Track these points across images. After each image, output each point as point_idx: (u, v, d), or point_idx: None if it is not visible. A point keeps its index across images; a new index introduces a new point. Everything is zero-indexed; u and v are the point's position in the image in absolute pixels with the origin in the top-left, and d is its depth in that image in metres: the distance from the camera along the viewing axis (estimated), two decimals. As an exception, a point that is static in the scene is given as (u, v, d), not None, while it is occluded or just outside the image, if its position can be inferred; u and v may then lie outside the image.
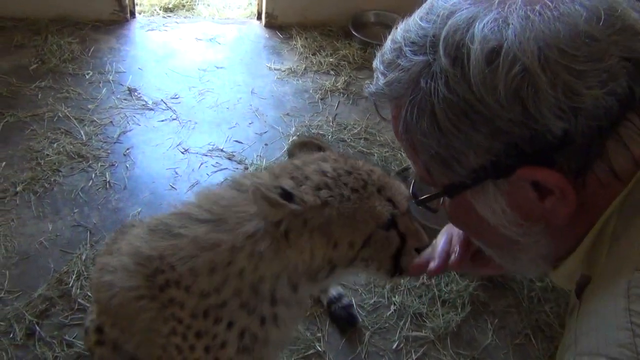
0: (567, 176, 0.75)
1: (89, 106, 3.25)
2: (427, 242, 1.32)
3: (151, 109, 3.31)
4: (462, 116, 0.76)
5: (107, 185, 2.80)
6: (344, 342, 2.27)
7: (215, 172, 2.95)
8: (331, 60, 3.82)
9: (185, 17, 4.28)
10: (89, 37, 3.79)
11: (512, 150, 0.75)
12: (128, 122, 3.20)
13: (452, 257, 1.19)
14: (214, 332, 1.37)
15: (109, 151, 3.00)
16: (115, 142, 3.06)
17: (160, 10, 4.32)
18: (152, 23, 4.08)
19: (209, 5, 4.52)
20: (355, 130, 3.29)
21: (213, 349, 1.38)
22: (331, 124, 3.33)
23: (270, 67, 3.76)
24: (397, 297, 2.43)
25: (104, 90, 3.38)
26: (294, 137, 3.17)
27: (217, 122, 3.28)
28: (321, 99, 3.52)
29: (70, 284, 2.33)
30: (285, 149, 3.09)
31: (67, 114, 3.16)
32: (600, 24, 0.72)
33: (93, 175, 2.84)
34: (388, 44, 0.86)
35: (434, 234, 1.33)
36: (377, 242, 1.25)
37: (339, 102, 3.52)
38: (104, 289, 1.59)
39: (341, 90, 3.59)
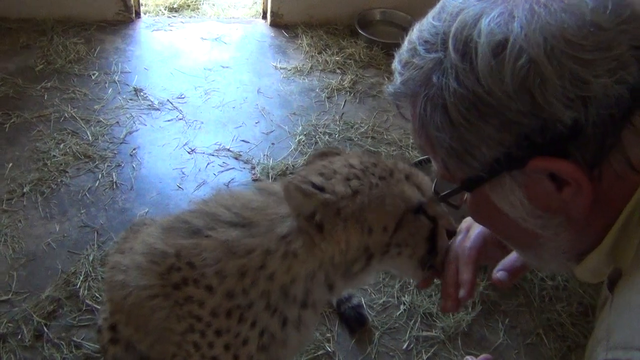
0: (581, 167, 0.75)
1: (95, 106, 3.24)
2: (454, 225, 1.33)
3: (157, 109, 3.30)
4: (472, 109, 0.77)
5: (114, 186, 2.79)
6: (354, 342, 2.25)
7: (222, 171, 2.94)
8: (337, 58, 3.80)
9: (190, 17, 4.26)
10: (95, 38, 3.78)
11: (523, 141, 0.76)
12: (134, 122, 3.19)
13: (462, 292, 1.20)
14: (236, 331, 1.37)
15: (116, 151, 2.99)
16: (121, 143, 3.05)
17: (165, 10, 4.31)
18: (157, 23, 4.07)
19: (214, 4, 4.50)
20: (363, 129, 3.27)
21: (234, 346, 1.38)
22: (338, 122, 3.31)
23: (276, 66, 3.74)
24: (406, 296, 2.41)
25: (109, 90, 3.37)
26: (301, 137, 3.16)
27: (224, 122, 3.27)
28: (328, 98, 3.50)
29: (78, 285, 2.32)
30: (292, 147, 3.08)
31: (73, 114, 3.15)
32: (608, 13, 0.73)
33: (100, 176, 2.83)
34: (405, 44, 0.89)
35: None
36: (409, 224, 1.26)
37: (345, 100, 3.50)
38: (117, 288, 1.59)
39: (347, 89, 3.57)
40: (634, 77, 0.72)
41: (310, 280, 1.31)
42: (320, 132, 3.20)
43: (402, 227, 1.26)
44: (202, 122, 3.25)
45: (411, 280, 2.46)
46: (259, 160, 3.00)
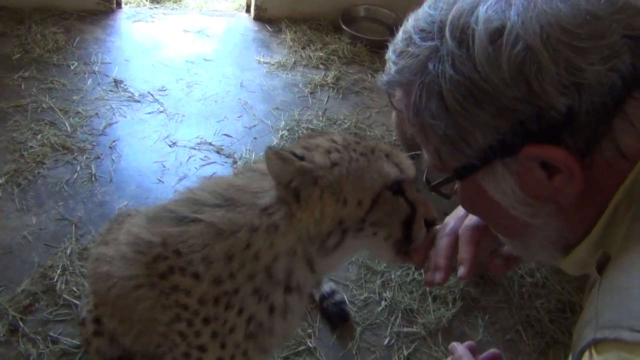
0: (574, 155, 0.76)
1: (74, 97, 3.18)
2: (435, 215, 1.32)
3: (138, 101, 3.25)
4: (468, 96, 0.78)
5: (93, 178, 2.74)
6: (335, 338, 2.25)
7: (204, 165, 2.91)
8: (321, 54, 3.79)
9: (172, 9, 4.21)
10: (74, 27, 3.71)
11: (518, 128, 0.77)
12: (114, 114, 3.13)
13: (461, 270, 1.16)
14: (224, 318, 1.36)
15: (95, 143, 2.93)
16: (100, 134, 2.99)
17: (147, 1, 4.25)
18: (138, 14, 4.01)
19: (196, -3, 4.46)
20: (345, 125, 3.26)
21: (221, 334, 1.38)
22: (321, 118, 3.29)
23: (259, 61, 3.72)
24: (388, 292, 2.42)
25: (89, 81, 3.31)
26: (284, 132, 3.14)
27: (206, 116, 3.24)
28: (311, 93, 3.49)
29: (55, 279, 2.27)
30: (274, 143, 3.06)
31: (52, 105, 3.09)
32: (602, 2, 0.74)
33: (78, 168, 2.78)
34: (399, 34, 0.89)
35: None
36: (385, 204, 1.26)
37: (328, 96, 3.49)
38: (102, 279, 1.57)
39: (331, 85, 3.56)
40: (626, 66, 0.73)
41: (291, 257, 1.31)
42: (303, 128, 3.19)
43: (378, 205, 1.25)
44: (184, 115, 3.21)
45: (392, 277, 2.47)
46: (241, 154, 2.97)
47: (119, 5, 3.99)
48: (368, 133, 3.23)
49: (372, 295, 2.41)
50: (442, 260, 1.18)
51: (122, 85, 3.34)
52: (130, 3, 4.18)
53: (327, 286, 2.32)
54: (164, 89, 3.37)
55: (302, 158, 1.24)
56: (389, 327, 2.30)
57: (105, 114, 3.12)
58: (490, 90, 0.76)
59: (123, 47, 3.67)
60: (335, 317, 2.27)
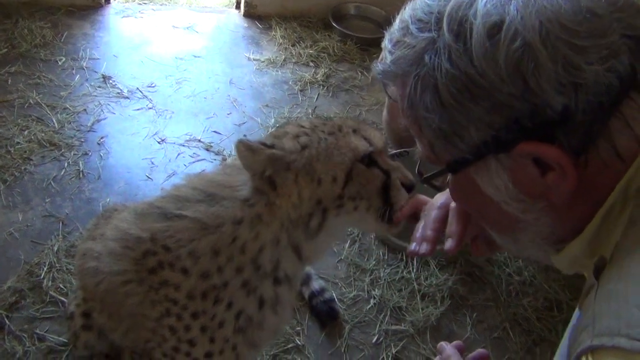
0: (567, 153, 0.76)
1: (62, 93, 3.15)
2: (412, 179, 1.34)
3: (126, 98, 3.23)
4: (463, 90, 0.77)
5: (80, 175, 2.72)
6: (324, 336, 2.25)
7: (193, 162, 2.89)
8: (311, 51, 3.78)
9: (161, 5, 4.18)
10: (62, 22, 3.67)
11: (513, 124, 0.76)
12: (102, 110, 3.11)
13: (449, 243, 1.15)
14: (212, 313, 1.38)
15: (82, 140, 2.91)
16: (88, 131, 2.97)
17: (135, -4, 4.21)
18: (127, 10, 3.98)
19: (186, -8, 4.43)
20: (335, 123, 3.25)
21: (210, 328, 1.39)
22: (311, 116, 3.28)
23: (249, 57, 3.70)
24: (377, 290, 2.42)
25: (77, 77, 3.29)
26: (273, 129, 3.12)
27: (195, 112, 3.22)
28: (301, 91, 3.48)
29: (42, 276, 2.25)
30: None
31: (39, 100, 3.05)
32: (603, 0, 0.73)
33: (65, 164, 2.75)
34: (396, 23, 0.88)
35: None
36: (359, 177, 1.29)
37: (318, 94, 3.48)
38: (90, 275, 1.58)
39: (321, 82, 3.55)
40: (625, 66, 0.72)
41: (276, 246, 1.33)
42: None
43: (352, 179, 1.29)
44: (173, 112, 3.19)
45: (381, 275, 2.47)
46: (230, 151, 2.96)
47: (107, 0, 3.96)
48: (358, 131, 3.22)
49: (361, 293, 2.42)
50: (430, 232, 1.19)
51: (110, 81, 3.31)
52: (119, -2, 4.14)
53: (316, 284, 2.32)
54: (153, 85, 3.35)
55: (272, 146, 1.27)
56: (378, 325, 2.31)
57: (94, 110, 3.09)
58: (486, 85, 0.75)
59: (111, 42, 3.64)
60: (325, 315, 2.27)
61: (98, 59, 3.46)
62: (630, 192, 0.78)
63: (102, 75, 3.33)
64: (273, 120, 3.20)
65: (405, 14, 0.86)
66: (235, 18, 4.12)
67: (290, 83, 3.53)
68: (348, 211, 1.31)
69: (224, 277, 1.35)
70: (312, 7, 4.09)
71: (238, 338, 1.43)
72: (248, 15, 4.10)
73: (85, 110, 3.08)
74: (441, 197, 1.23)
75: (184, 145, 2.98)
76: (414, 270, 2.51)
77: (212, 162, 2.91)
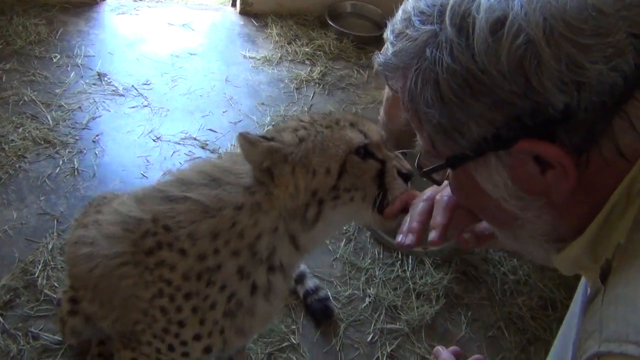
0: (568, 151, 0.75)
1: (57, 90, 3.14)
2: (410, 167, 1.37)
3: (122, 95, 3.22)
4: (464, 86, 0.75)
5: (75, 173, 2.71)
6: (319, 334, 2.25)
7: (188, 160, 2.89)
8: (307, 49, 3.78)
9: (157, 2, 4.16)
10: (57, 19, 3.65)
11: (514, 122, 0.75)
12: (97, 108, 3.10)
13: (432, 234, 1.15)
14: (205, 294, 1.41)
15: (77, 137, 2.90)
16: (83, 129, 2.96)
17: (131, -7, 4.19)
18: (122, 7, 3.96)
19: (182, -10, 4.41)
20: (331, 121, 3.25)
21: (201, 310, 1.43)
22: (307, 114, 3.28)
23: (245, 55, 3.69)
24: (372, 289, 2.42)
25: (72, 74, 3.27)
26: (269, 127, 3.12)
27: (190, 110, 3.21)
28: (296, 89, 3.48)
29: (36, 274, 2.25)
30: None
31: (33, 97, 3.04)
32: None
33: (60, 162, 2.75)
34: (399, 14, 0.86)
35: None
36: (354, 169, 1.32)
37: (314, 92, 3.48)
38: (82, 262, 1.60)
39: (317, 81, 3.55)
40: (629, 66, 0.71)
41: (274, 234, 1.37)
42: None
43: (347, 171, 1.32)
44: (168, 110, 3.18)
45: (377, 274, 2.48)
46: (225, 149, 2.95)
47: (102, -3, 3.95)
48: (353, 129, 3.22)
49: (356, 291, 2.42)
50: (415, 224, 1.19)
51: (105, 78, 3.30)
52: (114, -5, 4.12)
53: (311, 282, 2.32)
54: (148, 83, 3.34)
55: (271, 139, 1.32)
56: (373, 324, 2.31)
57: (89, 108, 3.08)
58: (487, 82, 0.73)
59: (107, 40, 3.62)
60: (320, 314, 2.28)
61: (93, 56, 3.45)
62: (634, 192, 0.77)
63: (97, 72, 3.32)
64: (269, 118, 3.20)
65: (408, 4, 0.84)
66: (231, 16, 4.11)
67: (286, 81, 3.52)
68: (344, 202, 1.34)
69: (219, 259, 1.38)
70: (309, 5, 4.08)
71: (227, 322, 1.46)
72: (244, 12, 4.09)
73: (80, 107, 3.07)
74: (429, 190, 1.23)
75: (179, 143, 2.98)
76: (409, 269, 2.51)
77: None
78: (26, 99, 3.03)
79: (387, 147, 1.41)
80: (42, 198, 2.57)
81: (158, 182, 1.55)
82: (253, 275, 1.42)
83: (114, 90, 3.23)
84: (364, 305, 2.37)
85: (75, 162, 2.76)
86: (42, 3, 3.72)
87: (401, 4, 0.88)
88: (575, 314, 1.22)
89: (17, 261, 2.30)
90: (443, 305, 2.41)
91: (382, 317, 2.34)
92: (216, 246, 1.37)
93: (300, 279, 2.32)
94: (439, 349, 1.30)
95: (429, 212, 1.19)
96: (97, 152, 2.84)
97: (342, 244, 2.59)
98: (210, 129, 3.10)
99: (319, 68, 3.64)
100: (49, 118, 2.95)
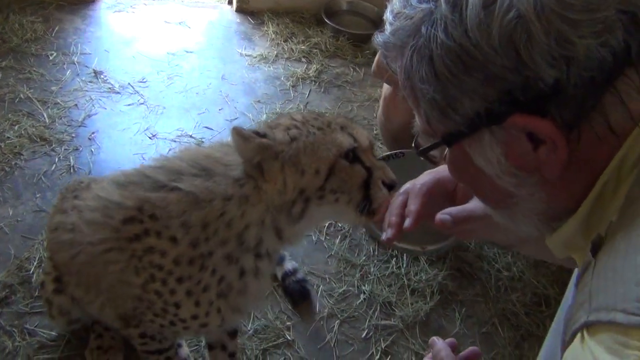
0: (559, 126, 0.76)
1: (53, 88, 3.14)
2: (394, 177, 1.41)
3: (118, 93, 3.22)
4: (457, 62, 0.77)
5: (71, 170, 2.72)
6: (313, 330, 2.26)
7: (184, 158, 2.89)
8: (303, 47, 3.78)
9: (153, 0, 4.16)
10: (53, 17, 3.65)
11: (505, 97, 0.76)
12: (93, 106, 3.10)
13: (406, 222, 1.20)
14: (198, 278, 1.46)
15: (73, 135, 2.90)
16: (79, 126, 2.96)
17: (127, -9, 4.19)
18: (119, 4, 3.96)
19: (178, -13, 4.41)
20: (327, 119, 3.26)
21: (195, 293, 1.48)
22: (303, 112, 3.29)
23: (241, 53, 3.70)
24: (366, 286, 2.43)
25: (68, 72, 3.27)
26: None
27: (186, 108, 3.22)
28: (292, 87, 3.48)
29: (32, 271, 2.26)
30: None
31: (29, 95, 3.05)
32: None
33: (56, 159, 2.75)
34: None
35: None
36: (341, 172, 1.36)
37: (310, 90, 3.49)
38: (64, 248, 1.63)
39: (313, 78, 3.56)
40: (618, 42, 0.72)
41: (261, 226, 1.41)
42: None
43: (334, 174, 1.36)
44: (164, 108, 3.19)
45: (371, 270, 2.49)
46: (221, 147, 2.96)
47: (99, -5, 3.94)
48: (349, 127, 3.23)
49: (350, 288, 2.43)
50: (394, 217, 1.24)
51: (101, 76, 3.30)
52: (110, -7, 4.12)
53: (289, 264, 2.35)
54: (145, 80, 3.34)
55: (264, 135, 1.35)
56: (367, 320, 2.32)
57: (85, 105, 3.09)
58: (479, 57, 0.75)
59: (103, 37, 3.63)
60: (297, 294, 2.29)
61: (89, 53, 3.45)
62: (625, 169, 0.78)
63: (94, 70, 3.33)
64: (265, 116, 3.21)
65: None
66: (228, 13, 4.11)
67: (282, 79, 3.53)
68: (329, 202, 1.38)
69: (209, 246, 1.42)
70: (305, 3, 4.09)
71: (221, 302, 1.51)
72: (240, 10, 4.09)
73: (76, 105, 3.07)
74: (407, 184, 1.28)
75: (175, 141, 2.98)
76: (404, 265, 2.53)
77: (203, 157, 2.90)
78: (22, 97, 3.03)
79: (373, 154, 1.45)
80: (37, 195, 2.57)
81: (142, 165, 1.57)
82: (241, 261, 1.47)
83: (110, 88, 3.24)
84: (358, 302, 2.38)
85: (71, 160, 2.76)
86: (38, 1, 3.72)
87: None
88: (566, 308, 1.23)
89: (13, 258, 2.30)
90: (437, 301, 2.42)
91: (376, 314, 2.35)
92: (207, 235, 1.41)
93: (279, 261, 2.35)
94: (435, 339, 1.31)
95: (405, 205, 1.24)
96: (93, 150, 2.85)
97: (337, 240, 2.60)
98: (206, 127, 3.10)
99: (315, 66, 3.64)
100: (45, 115, 2.95)
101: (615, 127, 0.76)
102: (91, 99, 3.14)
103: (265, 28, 3.94)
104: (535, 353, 2.25)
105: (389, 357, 2.23)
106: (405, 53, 0.84)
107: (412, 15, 0.82)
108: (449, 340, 1.37)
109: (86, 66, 3.35)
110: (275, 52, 3.72)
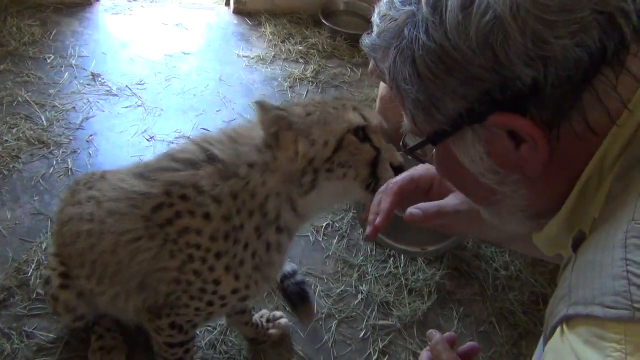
0: (539, 126, 0.77)
1: (51, 91, 3.15)
2: (402, 161, 1.51)
3: (116, 95, 3.23)
4: (438, 63, 0.78)
5: (69, 173, 2.72)
6: (311, 331, 2.27)
7: (182, 160, 2.90)
8: (300, 48, 3.79)
9: (151, 2, 4.17)
10: (51, 20, 3.67)
11: (485, 97, 0.78)
12: (91, 108, 3.11)
13: (378, 219, 1.25)
14: (234, 252, 1.54)
15: (71, 138, 2.91)
16: (77, 129, 2.97)
17: (125, -7, 4.20)
18: (116, 7, 3.97)
19: (176, -10, 4.42)
20: (324, 120, 3.27)
21: (233, 267, 1.56)
22: (300, 112, 3.29)
23: (239, 55, 3.71)
24: (364, 286, 2.44)
25: (66, 75, 3.28)
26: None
27: (184, 110, 3.23)
28: (290, 88, 3.49)
29: (30, 274, 2.26)
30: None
31: (28, 98, 3.05)
32: None
33: (54, 162, 2.76)
34: None
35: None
36: (350, 147, 1.46)
37: (308, 90, 3.49)
38: (82, 239, 1.67)
39: (310, 79, 3.56)
40: (594, 42, 0.73)
41: (278, 198, 1.51)
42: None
43: (343, 147, 1.46)
44: (162, 110, 3.19)
45: (369, 270, 2.49)
46: (219, 149, 2.96)
47: (96, -3, 3.96)
48: (347, 127, 3.24)
49: (348, 288, 2.43)
50: (372, 216, 1.28)
51: (99, 79, 3.31)
52: (108, -4, 4.13)
53: (289, 267, 2.34)
54: (142, 82, 3.35)
55: (282, 109, 1.47)
56: (365, 320, 2.33)
57: (83, 108, 3.09)
58: (459, 58, 0.76)
59: (101, 40, 3.64)
60: (296, 297, 2.28)
61: (87, 56, 3.46)
62: (606, 166, 0.79)
63: (91, 73, 3.33)
64: (262, 117, 3.21)
65: None
66: (225, 15, 4.12)
67: (279, 80, 3.54)
68: (338, 177, 1.47)
69: (240, 219, 1.52)
70: (302, 4, 4.10)
71: (257, 275, 1.61)
72: (238, 12, 4.10)
73: (74, 108, 3.08)
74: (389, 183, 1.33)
75: (173, 143, 2.98)
76: (402, 265, 2.53)
77: (201, 159, 2.91)
78: (20, 100, 3.04)
79: (384, 137, 1.53)
80: (36, 198, 2.58)
81: (167, 153, 1.64)
82: (266, 235, 1.56)
83: (107, 91, 3.25)
84: (356, 302, 2.39)
85: (69, 163, 2.77)
86: (36, 4, 3.73)
87: None
88: None
89: (11, 261, 2.31)
90: (435, 301, 2.42)
91: (374, 314, 2.35)
92: (237, 206, 1.50)
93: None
94: (433, 332, 1.32)
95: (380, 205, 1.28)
96: (91, 152, 2.86)
97: (335, 241, 2.60)
98: (204, 129, 3.11)
99: (312, 66, 3.65)
100: (43, 118, 2.96)
101: (594, 126, 0.77)
102: (89, 101, 3.15)
103: (263, 29, 3.94)
104: (533, 352, 2.25)
105: (387, 357, 2.23)
106: (390, 54, 0.86)
107: (397, 17, 0.83)
108: (448, 334, 1.37)
109: (84, 69, 3.36)
110: (273, 53, 3.73)
